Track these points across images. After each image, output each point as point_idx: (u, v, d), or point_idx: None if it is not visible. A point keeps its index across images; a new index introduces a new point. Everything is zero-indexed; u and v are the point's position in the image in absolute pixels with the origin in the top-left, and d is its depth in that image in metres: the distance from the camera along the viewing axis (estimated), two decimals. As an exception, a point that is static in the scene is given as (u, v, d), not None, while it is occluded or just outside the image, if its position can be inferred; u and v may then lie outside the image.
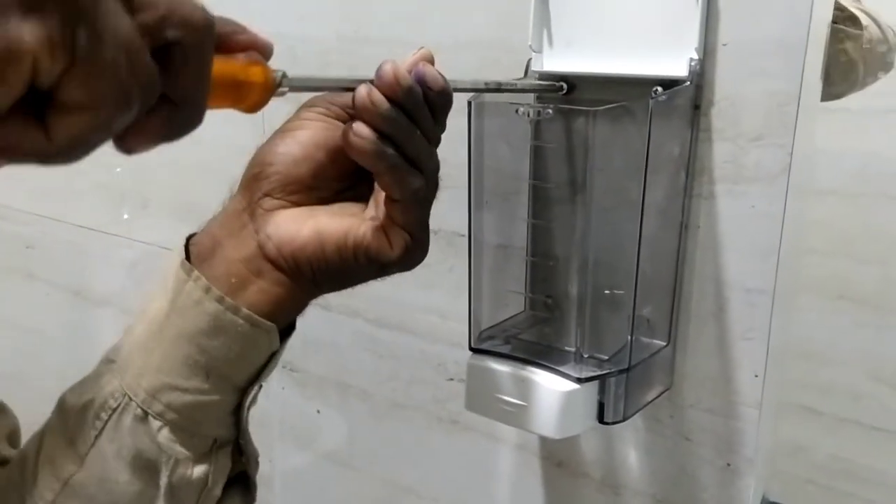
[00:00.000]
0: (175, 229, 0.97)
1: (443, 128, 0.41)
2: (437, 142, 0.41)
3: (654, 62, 0.55)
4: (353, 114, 0.39)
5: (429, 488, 0.81)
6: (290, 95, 0.39)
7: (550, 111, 0.50)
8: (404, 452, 0.82)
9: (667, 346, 0.59)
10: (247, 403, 0.43)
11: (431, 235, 0.74)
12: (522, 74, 0.61)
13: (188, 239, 0.43)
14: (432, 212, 0.73)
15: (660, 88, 0.55)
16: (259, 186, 0.42)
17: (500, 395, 0.54)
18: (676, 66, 0.54)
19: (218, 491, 0.43)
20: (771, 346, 0.55)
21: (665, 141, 0.54)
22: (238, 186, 0.43)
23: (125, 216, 1.04)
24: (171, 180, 0.96)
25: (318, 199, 0.42)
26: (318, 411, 0.89)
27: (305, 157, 0.41)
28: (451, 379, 0.76)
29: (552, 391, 0.53)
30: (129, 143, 0.29)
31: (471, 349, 0.58)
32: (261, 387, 0.44)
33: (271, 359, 0.43)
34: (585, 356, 0.54)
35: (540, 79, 0.60)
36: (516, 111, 0.51)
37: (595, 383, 0.54)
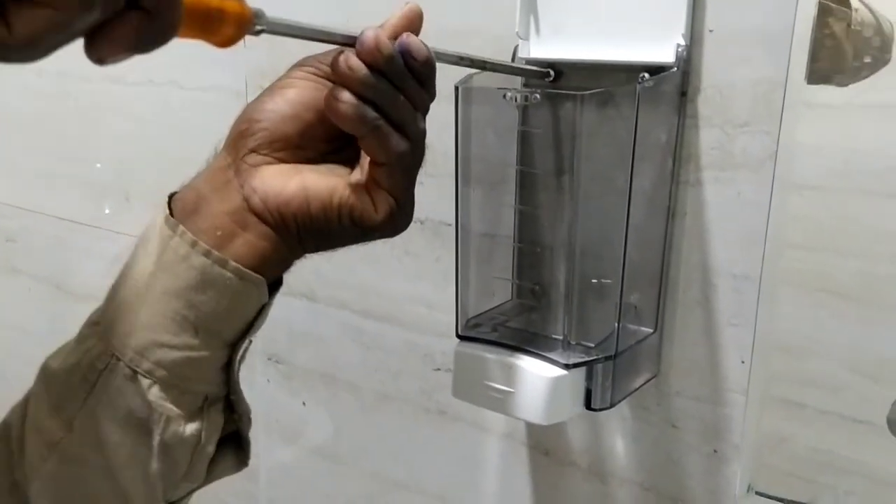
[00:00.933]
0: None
1: (432, 95, 0.41)
2: (425, 108, 0.41)
3: (641, 49, 0.55)
4: (332, 76, 0.39)
5: (416, 480, 0.80)
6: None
7: (538, 96, 0.50)
8: (391, 444, 0.82)
9: (653, 333, 0.59)
10: (237, 359, 0.43)
11: (418, 226, 0.74)
12: (510, 61, 0.60)
13: (171, 196, 0.43)
14: (418, 201, 0.73)
15: (647, 75, 0.55)
16: (245, 143, 0.41)
17: (488, 382, 0.54)
18: (663, 52, 0.54)
19: (211, 448, 0.43)
20: (757, 332, 0.55)
21: (652, 127, 0.54)
22: (223, 143, 0.43)
23: (106, 210, 1.03)
24: (155, 173, 0.95)
25: (305, 158, 0.42)
26: (304, 404, 0.88)
27: (294, 115, 0.41)
28: (438, 369, 0.75)
29: (540, 377, 0.52)
30: (98, 49, 0.28)
31: (458, 336, 0.58)
32: (251, 342, 0.43)
33: (261, 312, 0.43)
34: (573, 343, 0.54)
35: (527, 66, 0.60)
36: (504, 96, 0.51)
37: (582, 370, 0.54)
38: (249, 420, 0.45)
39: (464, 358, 0.56)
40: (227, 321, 0.41)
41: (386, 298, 0.78)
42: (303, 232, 0.41)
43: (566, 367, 0.52)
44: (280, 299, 0.86)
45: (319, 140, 0.42)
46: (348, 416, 0.84)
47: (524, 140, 0.59)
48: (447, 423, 0.76)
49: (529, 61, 0.60)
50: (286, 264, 0.43)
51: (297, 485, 0.91)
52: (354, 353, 0.82)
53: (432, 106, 0.69)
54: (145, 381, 0.40)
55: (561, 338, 0.55)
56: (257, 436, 0.94)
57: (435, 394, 0.76)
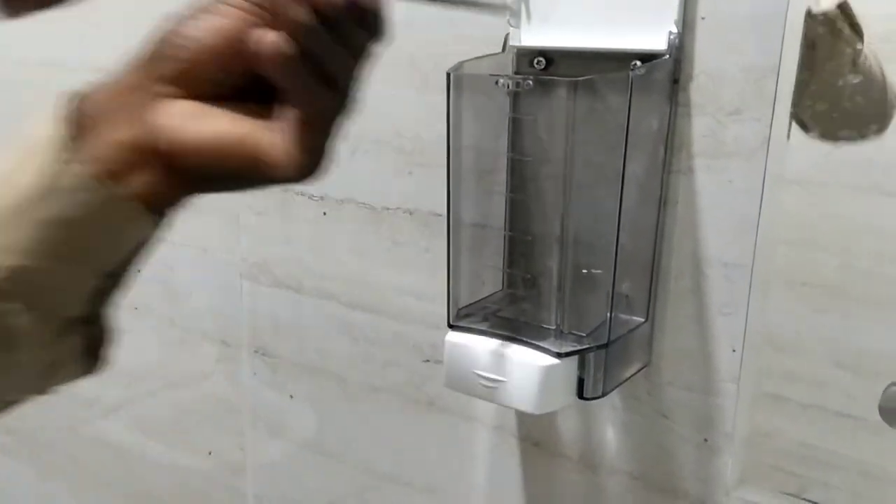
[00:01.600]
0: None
1: (375, 35, 0.39)
2: (366, 57, 0.39)
3: (633, 36, 0.55)
4: (266, 15, 0.36)
5: (404, 472, 0.80)
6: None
7: (531, 82, 0.49)
8: (379, 436, 0.81)
9: (645, 322, 0.59)
10: (109, 286, 0.41)
11: (407, 216, 0.74)
12: (501, 50, 0.60)
13: (69, 103, 0.40)
14: (408, 192, 0.73)
15: (639, 62, 0.55)
16: (160, 68, 0.39)
17: (479, 372, 0.54)
18: (655, 39, 0.54)
19: (67, 369, 0.42)
20: (749, 321, 0.55)
21: (644, 115, 0.53)
22: (133, 61, 0.41)
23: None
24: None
25: (218, 94, 0.39)
26: (292, 396, 0.88)
27: (213, 47, 0.38)
28: (428, 360, 0.75)
29: (532, 366, 0.52)
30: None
31: (449, 326, 0.57)
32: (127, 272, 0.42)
33: (141, 246, 0.41)
34: (565, 332, 0.54)
35: (518, 54, 0.60)
36: (496, 83, 0.50)
37: (574, 360, 0.54)
38: (110, 341, 0.43)
39: (455, 348, 0.56)
40: (108, 255, 0.39)
41: (374, 289, 0.77)
42: (205, 172, 0.39)
43: (558, 355, 0.52)
44: (266, 291, 0.85)
45: (237, 76, 0.39)
46: (336, 408, 0.84)
47: (515, 128, 0.58)
48: (436, 415, 0.76)
49: (521, 49, 0.59)
50: (179, 201, 0.42)
51: (284, 478, 0.91)
52: (342, 345, 0.81)
53: (422, 96, 0.69)
54: (8, 305, 0.38)
55: (553, 327, 0.55)
56: (243, 429, 0.94)
57: (424, 385, 0.76)
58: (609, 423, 0.64)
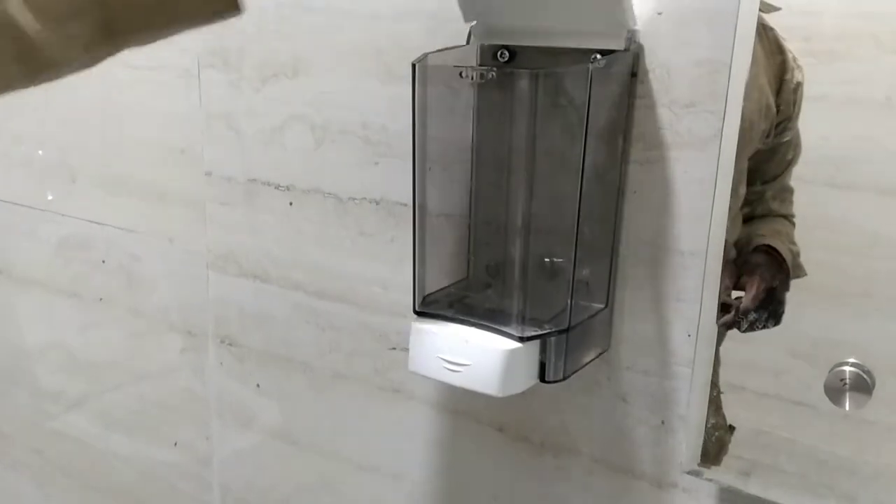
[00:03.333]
0: (106, 203, 0.95)
1: None
2: None
3: (593, 30, 0.56)
4: None
5: (370, 459, 0.81)
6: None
7: (494, 74, 0.51)
8: (346, 424, 0.82)
9: (605, 308, 0.61)
10: None
11: (373, 206, 0.75)
12: (465, 42, 0.61)
13: None
14: (374, 182, 0.74)
15: (598, 56, 0.56)
16: None
17: (444, 356, 0.55)
18: (614, 34, 0.55)
19: None
20: (704, 304, 0.57)
21: (603, 107, 0.55)
22: None
23: (49, 197, 1.00)
24: (100, 153, 0.94)
25: None
26: (258, 385, 0.88)
27: None
28: (394, 348, 0.76)
29: (495, 350, 0.54)
30: None
31: (415, 312, 0.59)
32: None
33: None
34: (527, 318, 0.55)
35: (482, 47, 0.61)
36: (460, 74, 0.52)
37: (536, 344, 0.55)
38: None
39: (420, 332, 0.57)
40: None
41: (340, 279, 0.78)
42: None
43: (520, 339, 0.54)
44: (232, 281, 0.86)
45: None
46: (302, 397, 0.84)
47: (479, 119, 0.60)
48: (401, 402, 0.77)
49: (484, 45, 0.61)
50: None
51: (250, 468, 0.91)
52: (308, 334, 0.82)
53: (387, 87, 0.70)
54: None
55: (514, 312, 0.57)
56: (209, 419, 0.94)
57: (389, 373, 0.77)
58: (570, 407, 0.66)
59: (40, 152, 0.99)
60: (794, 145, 0.91)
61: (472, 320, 0.56)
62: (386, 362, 0.77)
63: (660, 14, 0.56)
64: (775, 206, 0.93)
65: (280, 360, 0.85)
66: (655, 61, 0.56)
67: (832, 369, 0.51)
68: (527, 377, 0.55)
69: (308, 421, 0.85)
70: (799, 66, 0.88)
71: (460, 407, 0.73)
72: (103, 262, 0.99)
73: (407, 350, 0.75)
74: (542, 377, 0.56)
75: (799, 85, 0.89)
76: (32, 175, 1.01)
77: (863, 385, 0.49)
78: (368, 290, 0.77)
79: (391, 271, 0.74)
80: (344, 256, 0.77)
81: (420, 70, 0.54)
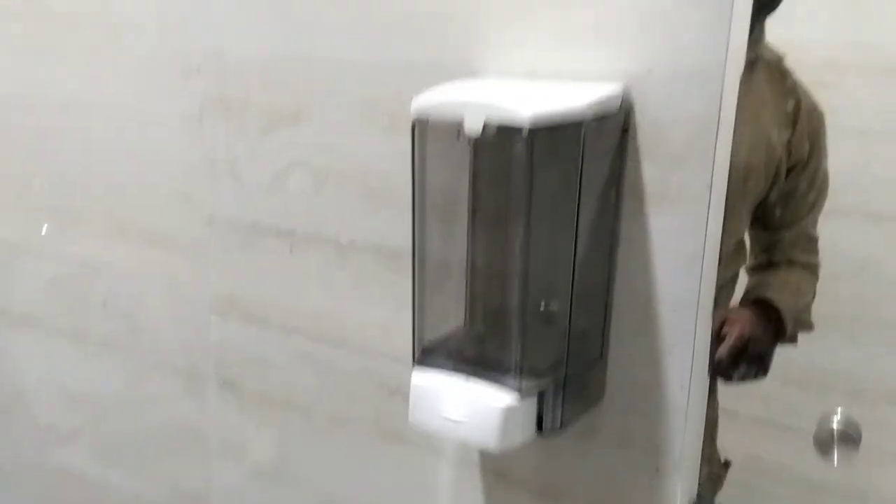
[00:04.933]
0: (109, 246, 0.96)
1: None
2: None
3: (586, 89, 0.58)
4: None
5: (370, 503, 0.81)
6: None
7: (490, 135, 0.52)
8: (345, 468, 0.83)
9: (600, 357, 0.62)
10: None
11: (374, 251, 0.76)
12: (461, 97, 0.63)
13: None
14: (375, 229, 0.75)
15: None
16: None
17: (443, 410, 0.56)
18: (606, 93, 0.57)
19: None
20: (696, 354, 0.58)
21: (596, 162, 0.57)
22: None
23: (43, 232, 1.01)
24: (104, 196, 0.95)
25: None
26: (258, 428, 0.89)
27: None
28: (394, 394, 0.77)
29: (493, 405, 0.55)
30: None
31: (414, 364, 0.60)
32: None
33: None
34: (524, 370, 0.56)
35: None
36: (458, 137, 0.53)
37: (534, 396, 0.56)
38: None
39: (419, 386, 0.58)
40: None
41: (340, 324, 0.79)
42: None
43: (518, 394, 0.55)
44: (233, 324, 0.87)
45: None
46: (302, 439, 0.85)
47: (475, 175, 0.61)
48: (401, 447, 0.77)
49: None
50: None
51: (250, 510, 0.92)
52: (308, 378, 0.83)
53: (389, 136, 0.71)
54: None
55: (511, 365, 0.58)
56: (209, 460, 0.94)
57: (390, 418, 0.78)
58: (568, 454, 0.67)
59: (36, 182, 1.00)
60: (816, 190, 0.92)
61: (470, 372, 0.57)
62: (387, 408, 0.78)
63: (650, 71, 0.57)
64: (796, 254, 0.93)
65: (280, 404, 0.86)
66: (646, 118, 0.58)
67: (819, 422, 0.52)
68: (524, 429, 0.56)
69: (308, 465, 0.85)
70: (818, 112, 0.89)
71: (460, 454, 0.74)
72: (104, 305, 1.00)
73: (407, 395, 0.76)
74: (539, 428, 0.57)
75: (816, 132, 0.90)
76: (37, 216, 1.02)
77: (850, 439, 0.50)
78: (368, 336, 0.78)
79: (391, 317, 0.75)
80: (344, 302, 0.78)
81: (419, 129, 0.55)
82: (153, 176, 0.90)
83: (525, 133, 0.50)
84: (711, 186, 0.56)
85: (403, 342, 0.75)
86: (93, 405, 1.05)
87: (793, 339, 0.88)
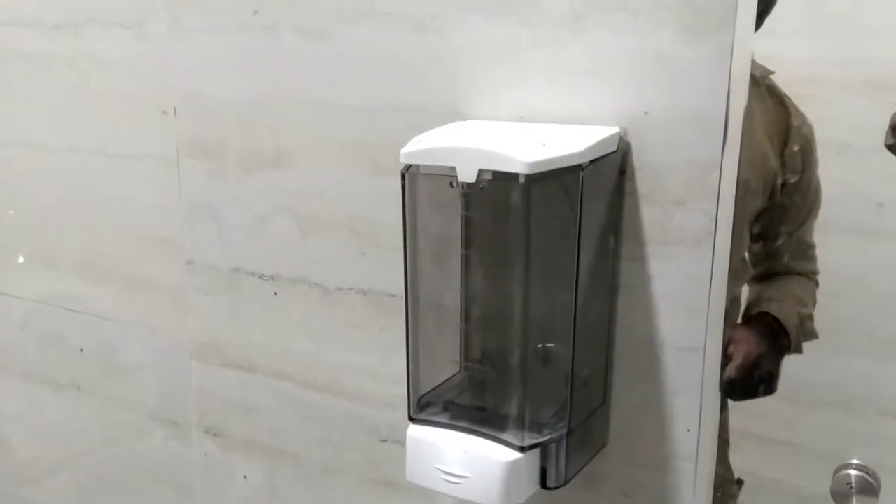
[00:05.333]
0: (85, 291, 0.92)
1: None
2: None
3: (580, 131, 0.56)
4: None
5: (363, 553, 0.79)
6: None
7: (484, 184, 0.50)
8: (338, 518, 0.80)
9: (602, 404, 0.60)
10: None
11: (360, 296, 0.74)
12: (451, 139, 0.61)
13: None
14: (361, 273, 0.73)
15: (586, 155, 0.56)
16: None
17: (442, 467, 0.54)
18: (603, 135, 0.55)
19: None
20: (704, 400, 0.56)
21: (594, 206, 0.55)
22: None
23: (20, 260, 0.98)
24: (79, 240, 0.92)
25: None
26: (245, 477, 0.86)
27: None
28: (385, 441, 0.74)
29: (495, 461, 0.52)
30: None
31: (410, 419, 0.57)
32: None
33: None
34: (526, 423, 0.54)
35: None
36: (450, 184, 0.51)
37: (537, 451, 0.54)
38: None
39: (417, 442, 0.56)
40: None
41: (328, 370, 0.77)
42: None
43: (521, 449, 0.52)
44: (216, 370, 0.84)
45: None
46: (291, 490, 0.82)
47: (468, 222, 0.59)
48: (395, 495, 0.75)
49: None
50: None
51: (238, 562, 0.88)
52: (296, 425, 0.80)
53: (374, 179, 0.69)
54: None
55: (513, 415, 0.55)
56: (194, 511, 0.91)
57: (382, 465, 0.75)
58: (570, 503, 0.65)
59: (11, 212, 0.97)
60: (811, 199, 0.91)
61: (470, 427, 0.55)
62: (378, 455, 0.75)
63: (646, 114, 0.56)
64: (794, 263, 0.93)
65: (267, 452, 0.83)
66: (644, 160, 0.56)
67: (836, 473, 0.50)
68: (528, 485, 0.54)
69: (298, 514, 0.82)
70: (808, 125, 0.89)
71: (457, 501, 0.71)
72: (81, 350, 0.96)
73: (399, 442, 0.73)
74: (543, 484, 0.55)
75: (808, 144, 0.89)
76: (9, 259, 0.99)
77: (869, 488, 0.49)
78: (357, 381, 0.75)
79: (381, 362, 0.73)
80: (331, 347, 0.76)
81: (410, 177, 0.53)
82: (129, 219, 0.87)
83: (522, 180, 0.49)
84: (716, 230, 0.55)
85: (394, 387, 0.72)
86: (71, 455, 1.01)
87: (798, 350, 0.88)
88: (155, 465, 0.93)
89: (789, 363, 0.88)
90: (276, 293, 0.78)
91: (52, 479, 1.04)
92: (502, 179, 0.49)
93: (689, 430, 0.58)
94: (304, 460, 0.80)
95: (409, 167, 0.53)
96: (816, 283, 0.93)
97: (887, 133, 0.63)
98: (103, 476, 0.99)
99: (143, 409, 0.92)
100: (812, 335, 0.90)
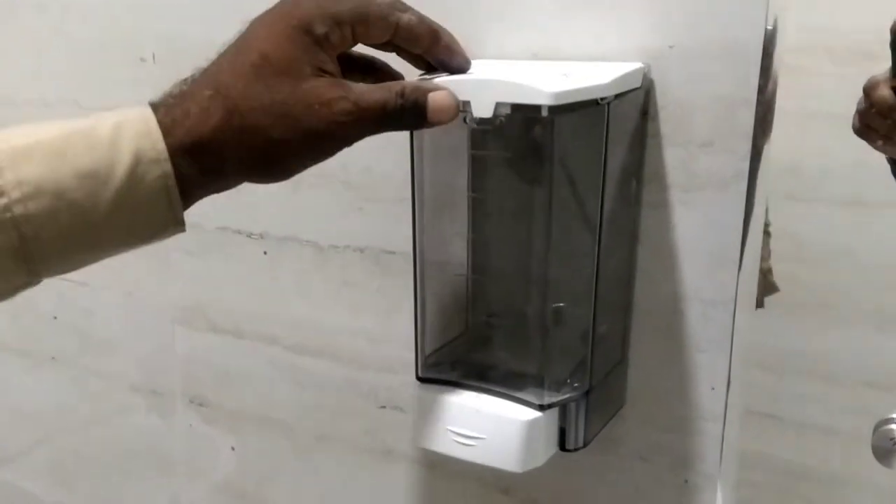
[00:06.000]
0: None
1: None
2: None
3: (601, 66, 0.52)
4: None
5: (360, 525, 0.75)
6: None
7: (503, 118, 0.46)
8: (331, 489, 0.76)
9: (621, 362, 0.56)
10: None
11: (357, 255, 0.69)
12: (457, 79, 0.56)
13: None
14: (357, 229, 0.68)
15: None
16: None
17: (454, 428, 0.50)
18: (625, 69, 0.51)
19: None
20: (733, 356, 0.53)
21: (616, 148, 0.51)
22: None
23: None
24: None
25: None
26: (233, 449, 0.81)
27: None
28: (384, 407, 0.70)
29: (513, 421, 0.48)
30: None
31: (418, 379, 0.53)
32: None
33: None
34: (546, 381, 0.50)
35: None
36: (463, 121, 0.47)
37: (555, 410, 0.50)
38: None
39: (426, 402, 0.51)
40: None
41: (321, 332, 0.72)
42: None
43: (541, 408, 0.49)
44: (201, 336, 0.79)
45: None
46: (283, 461, 0.78)
47: (477, 161, 0.55)
48: (394, 464, 0.71)
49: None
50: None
51: (226, 537, 0.84)
52: (287, 393, 0.76)
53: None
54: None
55: (529, 374, 0.52)
56: (178, 485, 0.87)
57: (380, 433, 0.71)
58: (583, 467, 0.61)
59: None
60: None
61: (483, 386, 0.51)
62: (375, 422, 0.71)
63: (671, 48, 0.52)
64: None
65: (257, 421, 0.79)
66: (668, 98, 0.52)
67: (877, 428, 0.47)
68: (547, 447, 0.50)
69: (290, 486, 0.78)
70: None
71: (460, 468, 0.67)
72: (55, 318, 0.91)
73: (399, 408, 0.70)
74: (562, 445, 0.51)
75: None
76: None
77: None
78: (354, 345, 0.71)
79: (378, 323, 0.69)
80: (326, 308, 0.71)
81: (419, 114, 0.49)
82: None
83: (545, 113, 0.44)
84: (747, 173, 0.51)
85: (393, 350, 0.68)
86: (44, 423, 0.96)
87: (760, 304, 0.85)
88: (136, 439, 0.88)
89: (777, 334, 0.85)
90: (265, 252, 0.73)
91: (26, 457, 0.99)
92: (522, 113, 0.45)
93: (713, 389, 0.55)
94: (297, 429, 0.76)
95: (417, 104, 0.49)
96: (769, 235, 0.90)
97: (854, 118, 0.59)
98: (81, 452, 0.94)
99: (123, 380, 0.87)
100: (773, 289, 0.87)
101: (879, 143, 0.48)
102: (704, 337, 0.54)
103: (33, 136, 0.38)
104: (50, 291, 0.88)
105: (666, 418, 0.57)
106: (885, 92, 0.45)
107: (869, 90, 0.45)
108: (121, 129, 0.39)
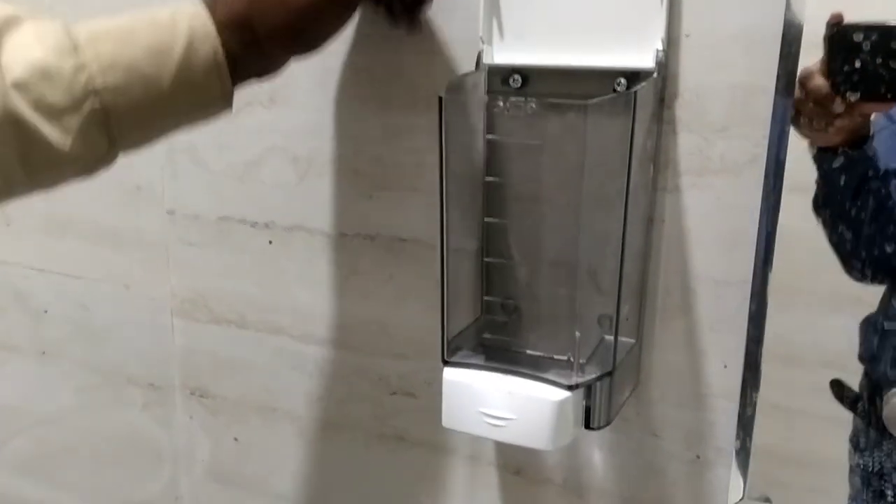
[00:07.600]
0: (48, 248, 0.85)
1: None
2: None
3: (617, 53, 0.54)
4: None
5: (370, 512, 0.76)
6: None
7: (534, 105, 0.47)
8: (342, 477, 0.76)
9: (635, 343, 0.58)
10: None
11: (368, 242, 0.70)
12: (474, 68, 0.57)
13: None
14: (368, 216, 0.69)
15: (623, 80, 0.54)
16: None
17: (485, 409, 0.51)
18: (642, 57, 0.53)
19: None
20: (750, 333, 0.54)
21: (637, 132, 0.52)
22: None
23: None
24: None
25: None
26: (236, 440, 0.81)
27: None
28: (395, 393, 0.71)
29: (543, 401, 0.50)
30: None
31: (444, 362, 0.54)
32: None
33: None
34: (574, 363, 0.52)
35: (491, 72, 0.57)
36: (495, 107, 0.48)
37: (581, 390, 0.52)
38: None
39: (455, 385, 0.52)
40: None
41: (330, 321, 0.73)
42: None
43: (570, 388, 0.50)
44: (201, 328, 0.79)
45: None
46: (289, 450, 0.78)
47: (492, 149, 0.56)
48: (406, 450, 0.72)
49: (493, 67, 0.57)
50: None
51: (229, 528, 0.84)
52: (293, 381, 0.76)
53: (381, 114, 0.65)
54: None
55: (555, 356, 0.53)
56: (178, 478, 0.86)
57: (391, 419, 0.72)
58: (595, 446, 0.63)
59: None
60: None
61: (509, 368, 0.52)
62: (386, 408, 0.72)
63: (688, 36, 0.53)
64: None
65: (261, 411, 0.79)
66: (684, 85, 0.54)
67: (889, 399, 0.49)
68: (573, 426, 0.52)
69: (297, 476, 0.78)
70: None
71: (472, 451, 0.69)
72: (45, 312, 0.89)
73: (410, 394, 0.70)
74: (587, 424, 0.53)
75: None
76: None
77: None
78: (363, 332, 0.71)
79: (389, 311, 0.69)
80: (334, 297, 0.72)
81: (447, 104, 0.50)
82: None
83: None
84: (761, 158, 0.52)
85: (405, 337, 0.69)
86: (41, 423, 0.95)
87: None
88: (133, 433, 0.88)
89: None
90: (270, 241, 0.73)
91: (14, 453, 0.97)
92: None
93: (725, 366, 0.57)
94: (303, 418, 0.77)
95: (451, 90, 0.49)
96: None
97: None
98: (74, 448, 0.93)
99: (119, 374, 0.86)
100: None
101: (810, 131, 0.50)
102: (716, 316, 0.56)
103: (105, 23, 0.44)
104: (40, 286, 0.87)
105: (678, 396, 0.59)
106: (819, 82, 0.48)
107: (804, 80, 0.48)
108: (176, 13, 0.45)
